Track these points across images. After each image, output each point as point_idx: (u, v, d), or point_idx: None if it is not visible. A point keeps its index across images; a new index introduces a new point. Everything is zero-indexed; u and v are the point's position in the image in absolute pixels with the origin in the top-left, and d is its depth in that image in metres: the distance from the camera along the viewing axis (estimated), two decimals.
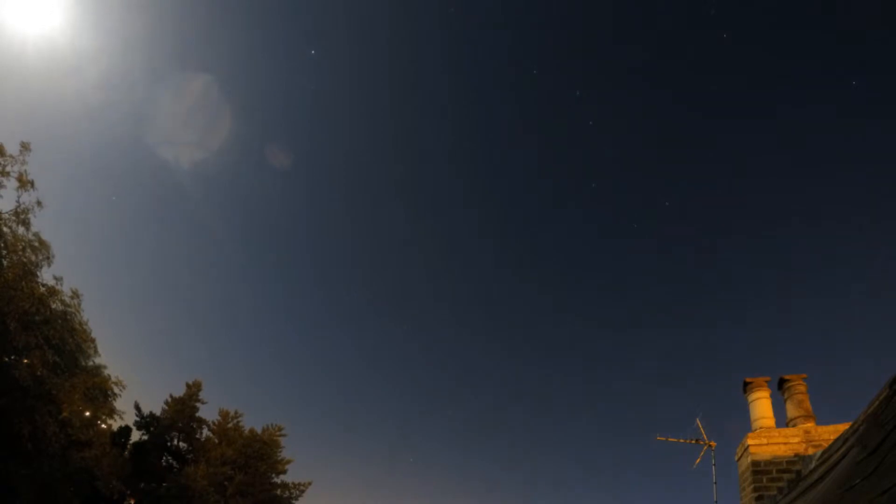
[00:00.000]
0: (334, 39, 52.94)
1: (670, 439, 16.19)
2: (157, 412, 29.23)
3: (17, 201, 20.16)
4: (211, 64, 54.08)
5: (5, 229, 20.02)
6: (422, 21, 55.42)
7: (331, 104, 59.81)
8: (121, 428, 27.55)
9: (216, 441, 29.49)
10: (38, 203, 20.54)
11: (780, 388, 8.62)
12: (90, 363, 22.92)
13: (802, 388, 8.32)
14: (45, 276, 20.97)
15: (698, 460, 15.58)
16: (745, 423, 8.64)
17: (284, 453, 30.75)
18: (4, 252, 19.99)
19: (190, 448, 29.44)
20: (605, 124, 57.58)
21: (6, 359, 19.44)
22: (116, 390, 23.41)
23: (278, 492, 30.13)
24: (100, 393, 22.55)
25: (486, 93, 61.04)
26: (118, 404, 24.16)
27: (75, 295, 21.66)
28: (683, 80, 55.15)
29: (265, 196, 63.99)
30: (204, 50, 54.92)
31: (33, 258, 20.49)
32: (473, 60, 57.74)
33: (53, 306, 20.91)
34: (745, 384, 8.79)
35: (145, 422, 28.91)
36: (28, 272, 20.08)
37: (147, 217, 63.62)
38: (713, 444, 15.59)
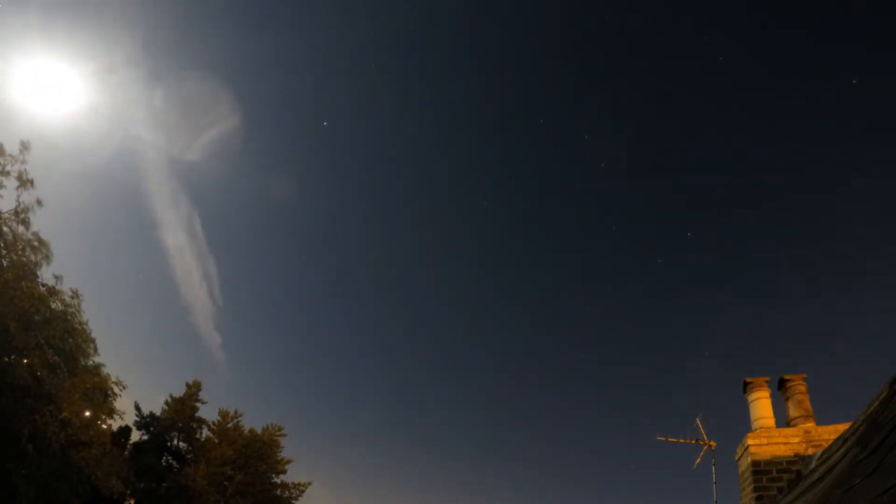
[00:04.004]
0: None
1: (670, 439, 16.17)
2: (157, 412, 29.23)
3: (17, 200, 20.15)
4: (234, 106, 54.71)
5: (5, 229, 19.96)
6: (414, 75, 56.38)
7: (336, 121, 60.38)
8: (121, 428, 27.53)
9: (216, 441, 29.46)
10: (38, 202, 20.52)
11: (780, 388, 8.60)
12: (90, 363, 22.86)
13: (802, 388, 8.30)
14: (45, 275, 20.98)
15: (698, 460, 15.56)
16: (745, 423, 8.62)
17: (284, 453, 30.79)
18: (4, 252, 19.94)
19: (190, 448, 29.42)
20: (616, 163, 58.73)
21: (6, 359, 19.39)
22: (116, 390, 23.36)
23: (278, 492, 30.12)
24: (100, 393, 22.47)
25: (495, 135, 61.96)
26: (118, 404, 24.13)
27: (75, 295, 21.60)
28: (684, 105, 55.89)
29: (265, 198, 64.03)
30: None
31: (33, 258, 20.45)
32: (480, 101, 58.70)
33: (53, 306, 20.86)
34: (745, 384, 8.77)
35: (145, 422, 28.90)
36: (28, 272, 20.03)
37: (149, 219, 63.63)
38: (713, 444, 15.55)
